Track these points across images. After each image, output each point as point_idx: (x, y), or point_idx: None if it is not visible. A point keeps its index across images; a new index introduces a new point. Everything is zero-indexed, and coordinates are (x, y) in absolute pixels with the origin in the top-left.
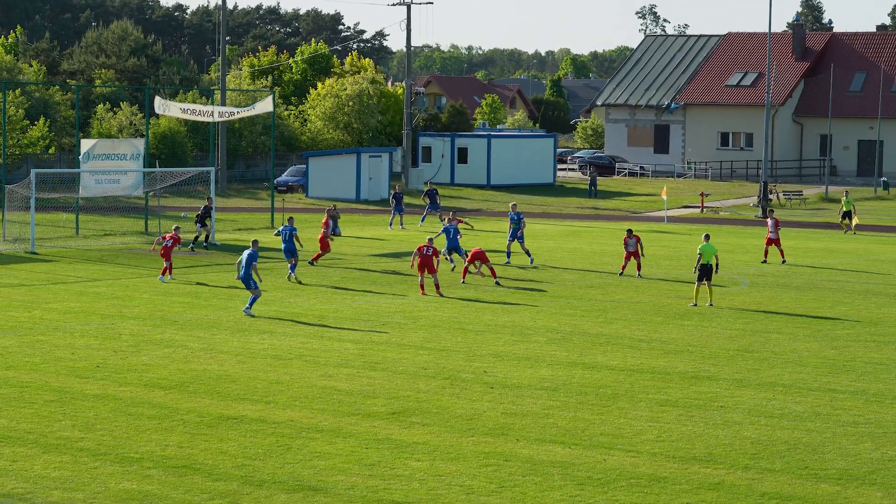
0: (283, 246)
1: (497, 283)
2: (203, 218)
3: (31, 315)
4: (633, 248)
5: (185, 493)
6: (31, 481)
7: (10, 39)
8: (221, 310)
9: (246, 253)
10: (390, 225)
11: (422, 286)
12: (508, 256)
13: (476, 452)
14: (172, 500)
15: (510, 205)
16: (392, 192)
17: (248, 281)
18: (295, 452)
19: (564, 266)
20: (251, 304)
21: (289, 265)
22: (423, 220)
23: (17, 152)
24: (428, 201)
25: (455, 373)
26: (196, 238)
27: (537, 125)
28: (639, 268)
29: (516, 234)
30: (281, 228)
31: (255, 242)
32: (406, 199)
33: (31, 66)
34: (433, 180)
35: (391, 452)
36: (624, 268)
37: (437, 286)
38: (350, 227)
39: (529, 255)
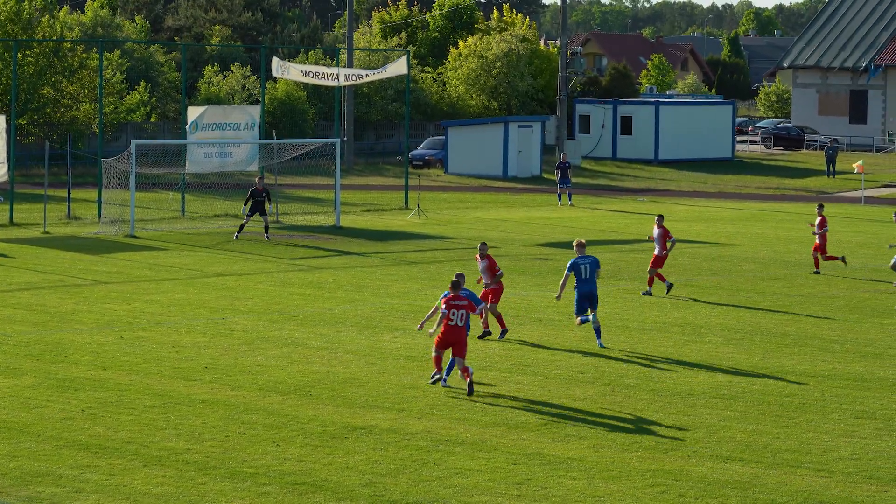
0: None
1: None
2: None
3: (130, 308)
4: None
5: None
6: (130, 498)
7: None
8: (347, 303)
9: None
10: (559, 200)
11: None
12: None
13: (641, 470)
14: None
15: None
16: (558, 161)
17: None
18: (431, 468)
19: (744, 255)
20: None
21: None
22: (568, 198)
23: (114, 121)
24: (559, 175)
25: (617, 377)
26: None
27: (713, 90)
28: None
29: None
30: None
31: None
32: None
33: (132, 21)
34: (592, 153)
35: (543, 469)
36: (818, 262)
37: None
38: (495, 209)
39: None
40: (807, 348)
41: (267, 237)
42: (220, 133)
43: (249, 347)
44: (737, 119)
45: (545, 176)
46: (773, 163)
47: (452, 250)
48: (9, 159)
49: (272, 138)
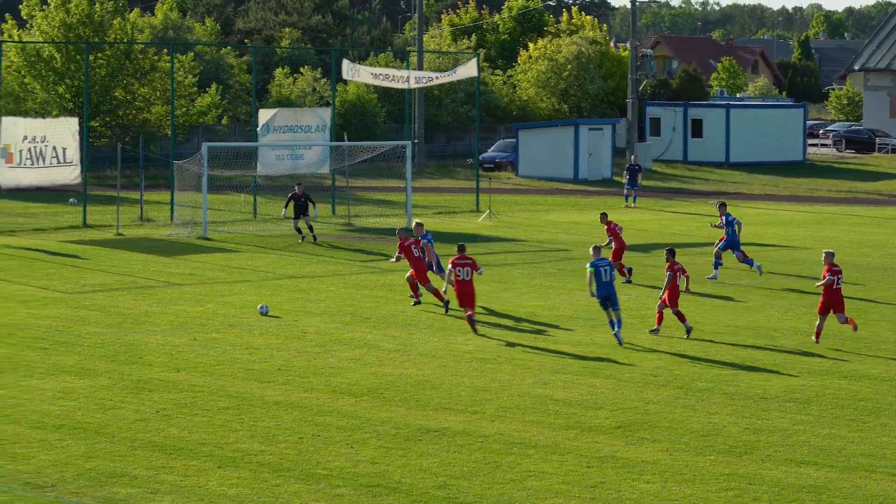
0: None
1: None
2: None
3: (203, 310)
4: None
5: None
6: (205, 499)
7: None
8: (419, 305)
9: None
10: (626, 200)
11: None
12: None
13: (715, 474)
14: None
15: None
16: (628, 164)
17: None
18: (505, 471)
19: (816, 258)
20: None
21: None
22: (633, 200)
23: (186, 123)
24: (627, 177)
25: (689, 381)
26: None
27: (783, 93)
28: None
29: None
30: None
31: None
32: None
33: (202, 24)
34: (663, 156)
35: (616, 472)
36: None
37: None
38: (566, 212)
39: (752, 263)
40: (881, 352)
41: (313, 238)
42: (292, 135)
43: (322, 349)
44: (808, 122)
45: (616, 179)
46: (845, 166)
47: (524, 252)
48: (82, 161)
49: (343, 140)
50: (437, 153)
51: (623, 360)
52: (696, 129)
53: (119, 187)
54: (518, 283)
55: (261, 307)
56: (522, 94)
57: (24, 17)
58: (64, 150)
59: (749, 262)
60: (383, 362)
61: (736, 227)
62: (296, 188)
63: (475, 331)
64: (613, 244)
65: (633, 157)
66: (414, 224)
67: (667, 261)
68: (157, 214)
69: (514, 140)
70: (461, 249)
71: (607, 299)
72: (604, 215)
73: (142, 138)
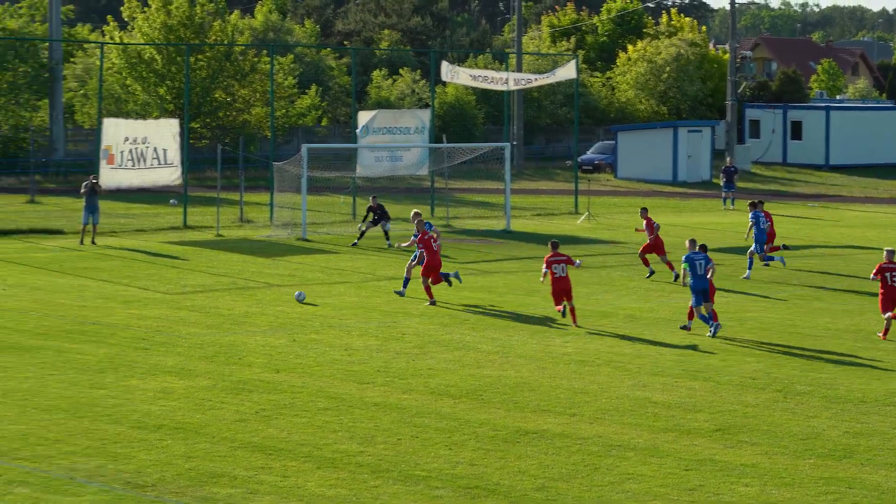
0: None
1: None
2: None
3: (302, 311)
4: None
5: None
6: (304, 500)
7: None
8: (518, 307)
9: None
10: (724, 203)
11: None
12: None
13: (814, 477)
14: None
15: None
16: (724, 166)
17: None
18: (604, 473)
19: None
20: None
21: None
22: (731, 203)
23: (286, 124)
24: (724, 180)
25: (789, 384)
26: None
27: (884, 95)
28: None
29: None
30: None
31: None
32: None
33: (301, 26)
34: (762, 158)
35: (715, 475)
36: None
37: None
38: (665, 214)
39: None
40: None
41: (389, 244)
42: (391, 137)
43: (421, 351)
44: None
45: (715, 181)
46: None
47: (623, 255)
48: (182, 163)
49: (442, 142)
50: (536, 155)
51: (721, 363)
52: (796, 131)
53: (219, 188)
54: (617, 285)
55: (298, 294)
56: (621, 95)
57: (126, 19)
58: (165, 151)
59: (751, 261)
60: (482, 364)
61: (762, 224)
62: (371, 200)
63: (574, 320)
64: (649, 239)
65: (728, 159)
66: (412, 214)
67: None
68: (257, 216)
69: (613, 142)
70: (555, 247)
71: (702, 292)
72: (643, 210)
73: (242, 140)
